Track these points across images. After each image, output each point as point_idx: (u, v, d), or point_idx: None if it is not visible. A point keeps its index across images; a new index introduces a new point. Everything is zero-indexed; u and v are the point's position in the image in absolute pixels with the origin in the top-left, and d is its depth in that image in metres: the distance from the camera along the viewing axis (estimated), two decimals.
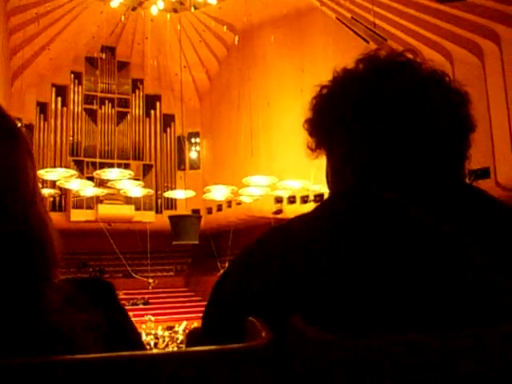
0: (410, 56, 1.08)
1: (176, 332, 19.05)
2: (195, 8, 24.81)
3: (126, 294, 24.68)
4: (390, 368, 0.70)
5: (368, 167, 1.03)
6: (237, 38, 26.22)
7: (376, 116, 1.02)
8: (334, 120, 1.07)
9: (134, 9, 24.92)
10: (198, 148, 31.19)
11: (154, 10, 24.37)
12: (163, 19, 25.55)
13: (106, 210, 27.10)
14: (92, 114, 29.40)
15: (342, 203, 0.97)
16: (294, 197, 23.47)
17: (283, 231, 0.97)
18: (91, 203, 26.85)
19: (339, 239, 0.89)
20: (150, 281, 27.13)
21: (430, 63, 1.09)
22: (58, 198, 26.48)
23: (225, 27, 26.47)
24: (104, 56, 29.48)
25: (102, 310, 0.86)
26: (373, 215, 0.91)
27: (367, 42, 17.91)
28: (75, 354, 0.72)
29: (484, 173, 16.48)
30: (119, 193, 23.89)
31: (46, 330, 0.76)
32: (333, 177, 1.13)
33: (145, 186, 24.08)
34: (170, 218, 19.34)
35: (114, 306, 0.94)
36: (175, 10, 25.10)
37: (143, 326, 18.94)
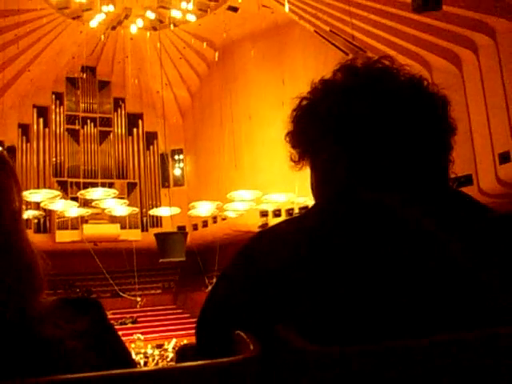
0: (386, 63, 1.10)
1: (166, 350, 18.92)
2: (174, 25, 24.87)
3: (114, 313, 24.47)
4: (380, 377, 0.70)
5: (353, 174, 1.03)
6: (217, 54, 26.30)
7: (357, 124, 1.02)
8: (316, 130, 1.08)
9: (113, 28, 24.92)
10: (181, 165, 31.14)
11: (133, 29, 24.39)
12: (143, 37, 25.58)
13: (91, 229, 26.92)
14: (74, 134, 29.29)
15: (329, 208, 0.98)
16: (279, 210, 23.46)
17: (269, 238, 0.97)
18: (76, 223, 26.68)
19: (326, 246, 0.89)
20: (138, 299, 26.96)
21: (408, 69, 1.10)
22: (42, 220, 26.30)
23: (205, 43, 26.54)
24: (85, 76, 29.41)
25: (91, 329, 0.86)
26: (361, 218, 0.91)
27: (346, 53, 18.04)
28: (62, 363, 0.72)
29: (467, 180, 16.59)
30: (104, 212, 23.79)
31: (32, 340, 0.76)
32: (318, 187, 1.13)
33: (129, 205, 24.01)
34: (156, 235, 19.27)
35: (102, 324, 0.94)
36: (154, 28, 25.14)
37: (132, 345, 18.80)
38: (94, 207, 22.73)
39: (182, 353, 1.11)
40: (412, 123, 1.03)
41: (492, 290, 0.84)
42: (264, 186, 22.26)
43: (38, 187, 25.72)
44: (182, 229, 25.55)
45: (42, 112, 28.83)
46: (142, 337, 20.36)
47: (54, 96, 29.06)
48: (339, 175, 1.05)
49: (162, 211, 25.49)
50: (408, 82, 1.07)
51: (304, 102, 1.12)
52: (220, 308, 0.94)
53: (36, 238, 24.63)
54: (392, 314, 0.81)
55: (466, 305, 0.82)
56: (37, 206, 21.65)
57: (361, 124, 1.02)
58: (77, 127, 29.38)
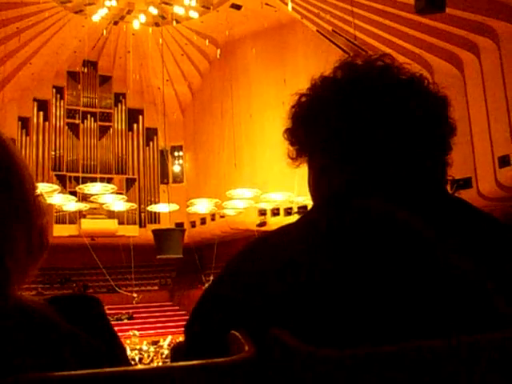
0: (387, 61, 1.08)
1: (161, 347, 18.93)
2: (177, 22, 24.85)
3: (110, 309, 24.46)
4: (375, 380, 0.69)
5: (350, 174, 1.02)
6: (219, 52, 26.31)
7: (356, 122, 1.01)
8: (315, 128, 1.07)
9: (115, 23, 24.92)
10: (181, 161, 31.14)
11: (135, 24, 24.37)
12: (145, 33, 25.58)
13: (89, 224, 26.95)
14: (74, 129, 29.29)
15: (325, 214, 0.97)
16: (277, 209, 23.48)
17: (265, 244, 0.97)
18: (74, 218, 26.69)
19: (322, 252, 0.88)
20: (135, 295, 26.97)
21: (408, 67, 1.09)
22: None
23: (207, 41, 26.53)
24: (86, 70, 29.40)
25: (84, 329, 0.84)
26: (356, 225, 0.91)
27: (348, 54, 18.02)
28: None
29: (466, 183, 16.60)
30: (102, 207, 23.80)
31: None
32: (315, 185, 1.12)
33: (128, 200, 23.99)
34: (154, 231, 19.27)
35: (98, 324, 0.91)
36: (157, 24, 25.12)
37: (128, 341, 18.81)
38: (93, 202, 22.74)
39: (176, 350, 1.10)
40: (412, 122, 1.02)
41: (491, 296, 0.83)
42: (263, 184, 22.28)
43: (36, 181, 25.61)
44: (180, 226, 25.54)
45: (43, 105, 28.82)
46: (137, 333, 20.37)
47: (54, 90, 29.06)
48: (335, 176, 1.05)
49: (161, 207, 25.50)
50: (408, 81, 1.06)
51: (303, 99, 1.11)
52: (213, 308, 0.93)
53: None
54: (386, 318, 0.80)
55: (464, 310, 0.81)
56: None
57: (359, 123, 1.01)
58: (77, 121, 29.39)
